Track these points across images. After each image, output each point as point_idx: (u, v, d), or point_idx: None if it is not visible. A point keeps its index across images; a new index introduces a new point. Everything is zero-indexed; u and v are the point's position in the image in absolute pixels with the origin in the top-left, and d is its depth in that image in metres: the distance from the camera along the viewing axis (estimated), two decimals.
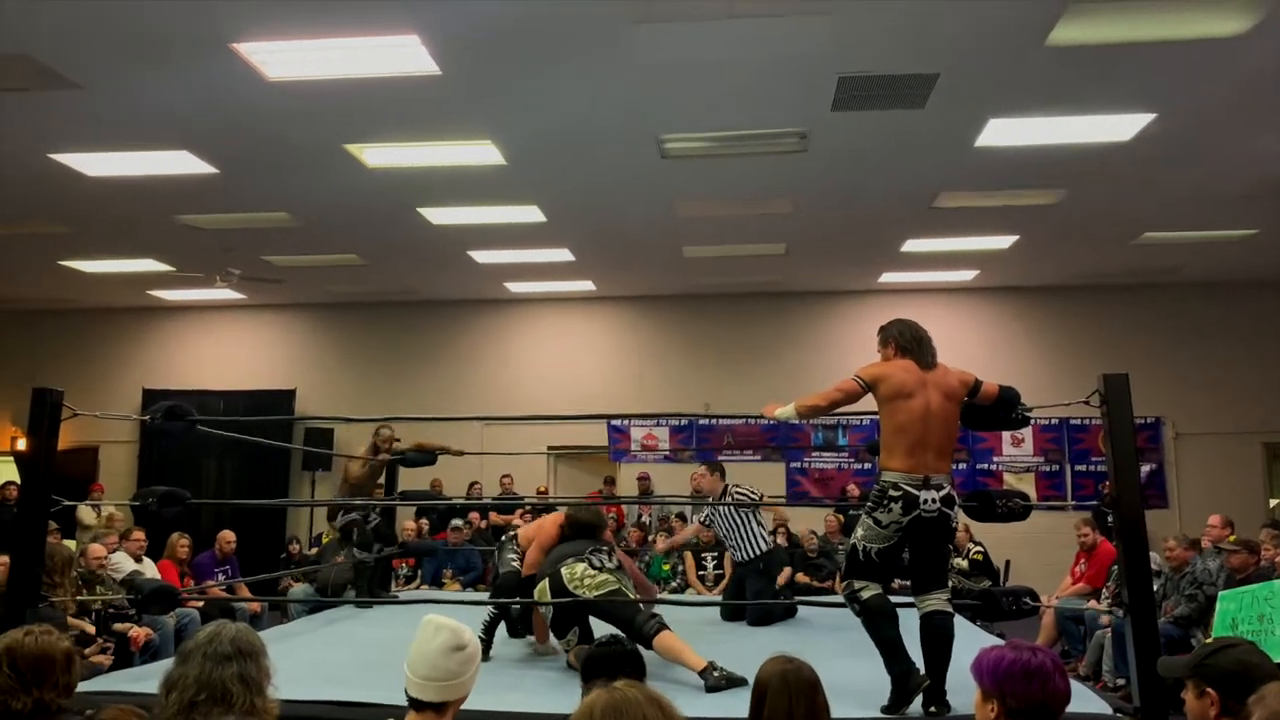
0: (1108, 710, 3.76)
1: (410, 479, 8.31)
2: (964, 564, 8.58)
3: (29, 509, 4.27)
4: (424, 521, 10.09)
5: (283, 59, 5.63)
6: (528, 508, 10.82)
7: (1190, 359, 11.43)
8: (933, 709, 3.66)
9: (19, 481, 9.37)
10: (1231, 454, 11.23)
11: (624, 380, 12.18)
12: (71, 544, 9.07)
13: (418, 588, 9.09)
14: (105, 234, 9.36)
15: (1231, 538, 6.69)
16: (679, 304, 12.29)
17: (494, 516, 10.89)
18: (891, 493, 3.78)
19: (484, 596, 7.93)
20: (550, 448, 11.89)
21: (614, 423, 11.87)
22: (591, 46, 5.55)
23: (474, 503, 10.67)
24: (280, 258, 10.25)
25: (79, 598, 5.95)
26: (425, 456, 7.52)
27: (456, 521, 9.97)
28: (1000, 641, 2.36)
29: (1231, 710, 2.08)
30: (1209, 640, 4.96)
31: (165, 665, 2.43)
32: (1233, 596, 5.41)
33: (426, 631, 2.39)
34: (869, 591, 3.84)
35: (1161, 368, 11.06)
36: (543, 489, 11.62)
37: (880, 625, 3.78)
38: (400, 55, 5.57)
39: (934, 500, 3.77)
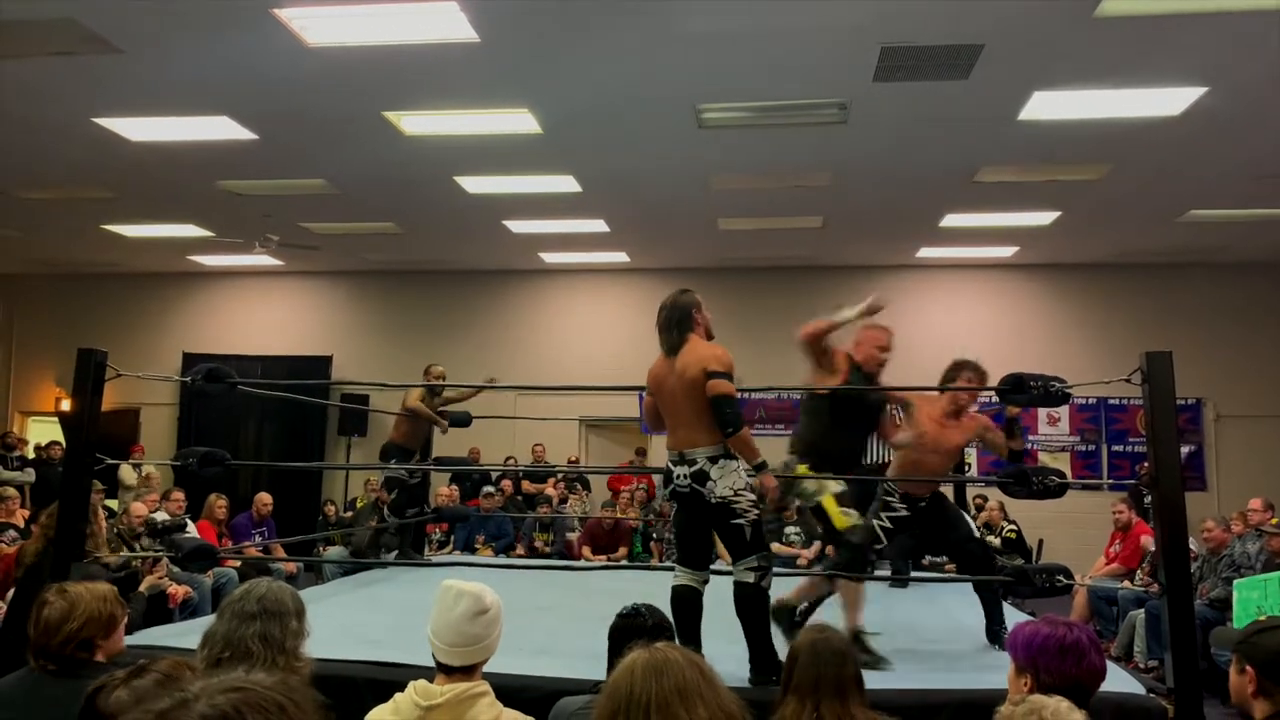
0: (1141, 690, 3.73)
1: (445, 446, 8.39)
2: (996, 541, 8.54)
3: (74, 467, 4.35)
4: (455, 488, 10.19)
5: (323, 25, 5.65)
6: (559, 477, 10.92)
7: (1234, 340, 11.22)
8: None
9: (63, 442, 9.58)
10: (1273, 436, 11.04)
11: (656, 352, 12.15)
12: (114, 503, 9.28)
13: (450, 552, 9.20)
14: (147, 199, 9.47)
15: (1274, 520, 6.60)
16: (713, 277, 12.21)
17: (525, 485, 10.98)
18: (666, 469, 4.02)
19: (516, 562, 8.04)
20: (582, 418, 11.94)
21: (646, 394, 11.88)
22: (630, 15, 5.50)
23: (505, 468, 10.74)
24: (318, 225, 10.32)
25: (122, 555, 6.09)
26: (463, 416, 7.60)
27: (489, 488, 10.06)
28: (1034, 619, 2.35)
29: (1267, 690, 2.07)
30: (1264, 618, 4.88)
31: (203, 622, 2.49)
32: (1252, 584, 5.35)
33: (448, 598, 2.40)
34: (675, 580, 4.02)
35: (1204, 348, 10.86)
36: (573, 458, 11.68)
37: (674, 610, 3.84)
38: (439, 22, 5.56)
39: (685, 475, 3.91)
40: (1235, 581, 5.58)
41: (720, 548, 7.69)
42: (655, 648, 1.67)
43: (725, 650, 3.78)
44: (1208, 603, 6.21)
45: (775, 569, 4.00)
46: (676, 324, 4.05)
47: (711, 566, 4.07)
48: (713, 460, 3.86)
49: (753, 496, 3.95)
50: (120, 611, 2.76)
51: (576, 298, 12.67)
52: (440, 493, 9.51)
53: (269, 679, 1.08)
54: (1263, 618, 3.88)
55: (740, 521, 3.86)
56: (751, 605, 3.82)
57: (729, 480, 3.86)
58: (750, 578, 3.84)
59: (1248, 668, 2.11)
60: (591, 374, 11.53)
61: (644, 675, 1.60)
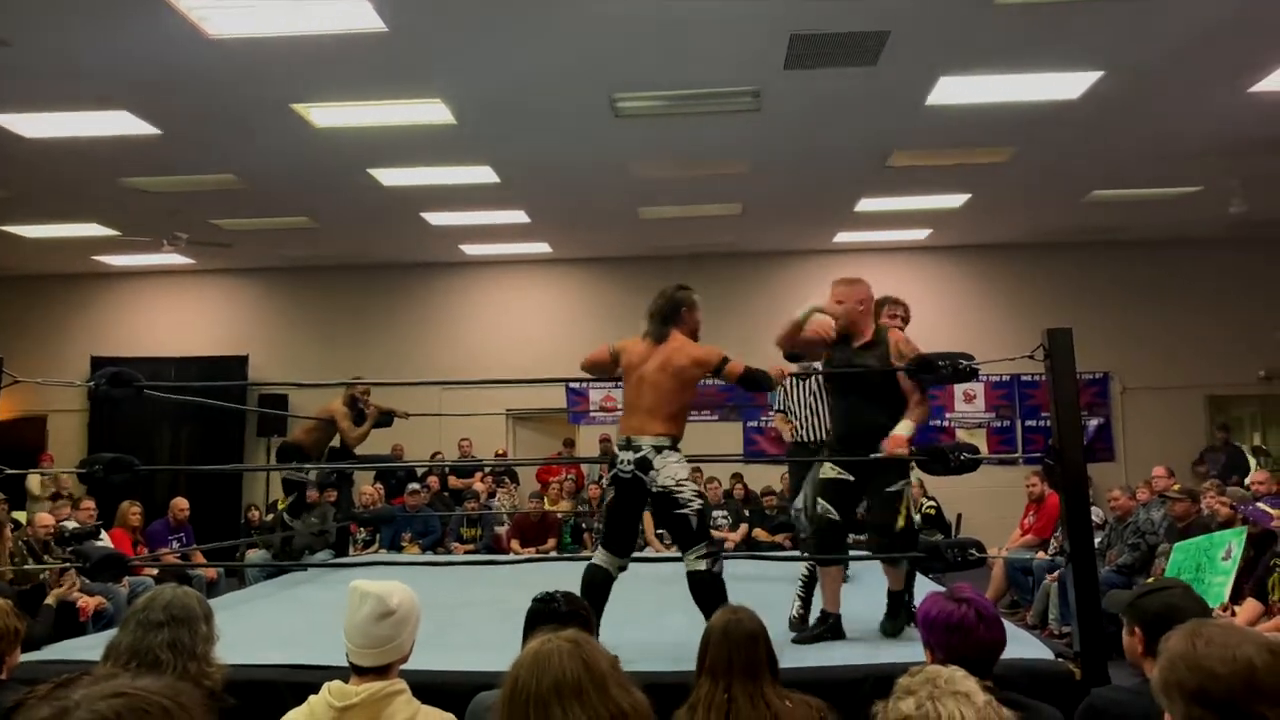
0: (1049, 655, 3.86)
1: (368, 444, 8.28)
2: (917, 518, 8.72)
3: None
4: (379, 486, 10.05)
5: (223, 15, 5.49)
6: (487, 470, 10.84)
7: (1138, 315, 11.65)
8: None
9: None
10: (1176, 407, 11.50)
11: (582, 342, 11.93)
12: (22, 515, 8.94)
13: (376, 551, 9.07)
14: (47, 198, 9.11)
15: (1176, 487, 6.88)
16: (636, 265, 12.23)
17: (452, 480, 10.88)
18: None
19: (441, 558, 7.97)
20: (509, 410, 11.87)
21: (573, 385, 11.86)
22: (542, 2, 5.47)
23: (431, 464, 10.63)
24: (229, 221, 10.05)
25: (27, 567, 5.88)
26: (384, 419, 7.55)
27: (414, 485, 9.94)
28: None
29: (1154, 650, 2.16)
30: (1149, 581, 5.12)
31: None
32: (1183, 548, 5.63)
33: (354, 599, 2.37)
34: (594, 558, 4.08)
35: (1110, 324, 11.27)
36: (501, 451, 11.61)
37: (582, 589, 3.82)
38: (345, 12, 5.45)
39: (629, 461, 3.97)
40: (1176, 544, 5.81)
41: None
42: (547, 639, 1.67)
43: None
44: (1115, 569, 6.45)
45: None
46: (666, 316, 4.13)
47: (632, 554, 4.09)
48: (657, 450, 3.93)
49: (695, 488, 4.04)
50: (20, 625, 2.68)
51: (499, 289, 12.57)
52: (364, 491, 9.37)
53: (156, 684, 1.05)
54: (1149, 582, 4.05)
55: (684, 512, 3.93)
56: (707, 591, 3.86)
57: (670, 470, 3.93)
58: (702, 565, 3.91)
59: (1136, 629, 2.21)
60: (517, 365, 11.46)
61: (529, 669, 1.61)
